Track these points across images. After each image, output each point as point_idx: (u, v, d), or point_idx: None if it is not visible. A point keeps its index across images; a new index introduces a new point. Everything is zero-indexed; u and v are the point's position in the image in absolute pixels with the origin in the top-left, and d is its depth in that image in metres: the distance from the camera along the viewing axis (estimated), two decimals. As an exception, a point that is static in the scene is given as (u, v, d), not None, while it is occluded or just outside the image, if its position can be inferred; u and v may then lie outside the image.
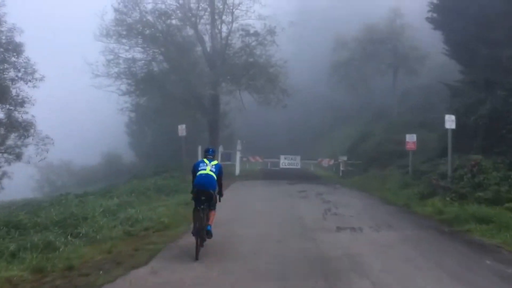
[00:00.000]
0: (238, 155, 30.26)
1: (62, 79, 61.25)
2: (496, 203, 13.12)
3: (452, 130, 17.05)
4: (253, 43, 30.97)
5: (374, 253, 9.51)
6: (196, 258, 8.69)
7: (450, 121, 17.01)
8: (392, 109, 43.90)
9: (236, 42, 31.83)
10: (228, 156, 30.98)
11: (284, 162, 30.04)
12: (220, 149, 31.30)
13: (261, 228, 12.30)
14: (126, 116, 46.26)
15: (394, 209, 15.91)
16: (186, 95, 33.55)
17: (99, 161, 49.82)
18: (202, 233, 8.82)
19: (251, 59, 30.28)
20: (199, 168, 9.24)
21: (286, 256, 9.23)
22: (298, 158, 30.14)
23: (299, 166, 30.12)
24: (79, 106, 65.38)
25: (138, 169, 39.89)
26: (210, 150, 10.01)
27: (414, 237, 11.17)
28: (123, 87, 32.45)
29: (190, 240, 9.37)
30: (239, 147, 30.20)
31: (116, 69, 31.84)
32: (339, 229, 11.99)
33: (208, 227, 8.88)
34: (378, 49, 42.24)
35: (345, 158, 29.92)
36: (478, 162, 15.61)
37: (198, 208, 8.86)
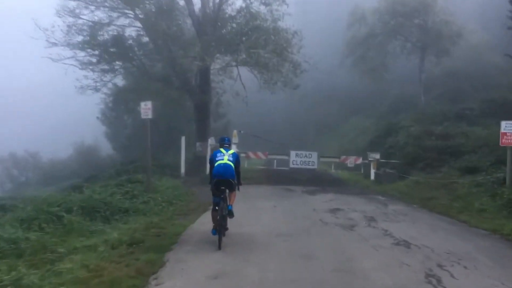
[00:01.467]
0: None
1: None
2: None
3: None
4: (256, 2, 22.37)
5: None
6: (219, 248, 8.17)
7: None
8: (418, 97, 35.52)
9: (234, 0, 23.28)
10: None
11: (296, 160, 21.58)
12: (211, 141, 22.85)
13: None
14: (102, 101, 37.73)
15: None
16: (168, 71, 24.98)
17: (71, 153, 41.15)
18: (223, 224, 8.53)
19: (253, 22, 21.66)
20: (217, 159, 8.71)
21: None
22: (315, 155, 21.70)
23: (315, 166, 21.71)
24: (44, 85, 54.77)
25: (108, 165, 31.36)
26: (226, 138, 9.43)
27: None
28: (87, 59, 23.93)
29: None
30: (235, 139, 21.74)
31: (79, 38, 23.33)
32: None
33: (229, 207, 8.68)
34: (403, 24, 33.70)
35: (377, 156, 21.55)
36: None
37: (217, 208, 8.52)
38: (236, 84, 26.82)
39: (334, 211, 12.72)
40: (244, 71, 25.46)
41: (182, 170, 22.74)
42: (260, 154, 21.93)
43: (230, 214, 8.73)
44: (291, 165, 21.59)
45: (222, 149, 8.94)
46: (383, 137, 29.34)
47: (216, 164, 8.65)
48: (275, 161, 22.21)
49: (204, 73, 24.43)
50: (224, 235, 8.57)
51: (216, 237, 8.37)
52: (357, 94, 49.21)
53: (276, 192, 17.17)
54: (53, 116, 53.71)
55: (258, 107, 49.76)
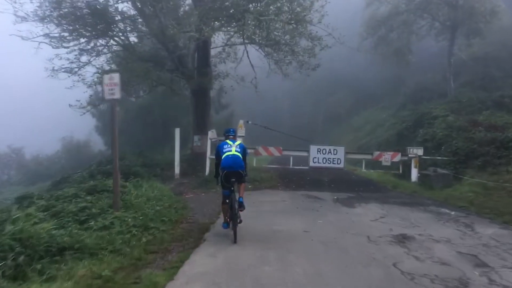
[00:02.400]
0: None
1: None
2: None
3: None
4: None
5: None
6: (235, 241, 7.70)
7: None
8: (443, 84, 30.55)
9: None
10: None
11: (317, 157, 16.57)
12: (211, 135, 18.01)
13: None
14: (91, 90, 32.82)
15: None
16: (159, 50, 20.02)
17: (58, 149, 36.22)
18: (235, 217, 7.88)
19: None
20: (224, 150, 8.26)
21: None
22: (341, 151, 16.63)
23: (342, 165, 16.71)
24: (30, 75, 48.82)
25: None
26: (231, 130, 8.88)
27: None
28: (61, 35, 18.99)
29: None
30: (241, 132, 16.81)
31: (53, 11, 18.39)
32: None
33: (240, 199, 8.15)
34: (431, 0, 28.64)
35: (419, 151, 16.56)
36: None
37: (227, 201, 8.11)
38: (240, 67, 21.93)
39: (401, 240, 7.82)
40: (251, 52, 20.56)
41: (176, 170, 17.88)
42: (272, 150, 16.97)
43: (242, 206, 8.16)
44: (312, 164, 16.64)
45: (228, 141, 8.47)
46: (412, 129, 24.46)
47: (224, 156, 8.23)
48: (291, 158, 17.25)
49: (203, 52, 19.46)
50: (236, 227, 7.88)
51: (227, 230, 8.13)
52: (371, 84, 44.27)
53: (298, 201, 12.26)
54: (40, 108, 48.46)
55: (263, 98, 44.94)
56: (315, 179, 17.06)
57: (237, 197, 8.07)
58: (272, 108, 51.58)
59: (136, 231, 8.03)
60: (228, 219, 8.16)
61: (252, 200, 12.00)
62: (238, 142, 8.56)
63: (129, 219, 8.42)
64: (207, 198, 13.30)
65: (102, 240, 7.21)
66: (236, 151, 8.19)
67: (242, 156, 8.25)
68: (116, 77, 9.36)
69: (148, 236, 7.90)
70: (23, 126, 43.59)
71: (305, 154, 17.15)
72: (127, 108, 32.47)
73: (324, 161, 16.74)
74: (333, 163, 16.72)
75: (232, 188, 8.10)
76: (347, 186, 15.63)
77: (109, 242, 7.20)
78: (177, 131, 18.27)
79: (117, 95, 9.24)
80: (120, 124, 33.27)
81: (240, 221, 8.02)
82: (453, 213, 10.70)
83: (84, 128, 36.19)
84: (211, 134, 18.47)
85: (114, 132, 9.44)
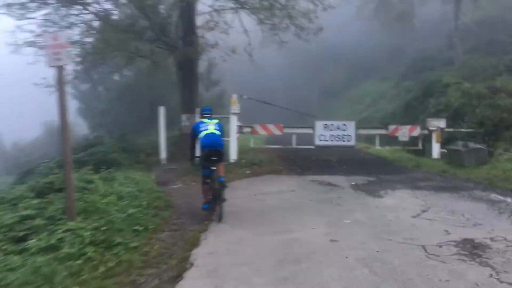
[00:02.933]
0: (234, 124, 14.33)
1: None
2: None
3: None
4: None
5: None
6: (219, 221, 7.25)
7: None
8: (447, 51, 28.02)
9: None
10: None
11: (324, 135, 14.05)
12: (199, 113, 15.42)
13: None
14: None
15: None
16: (138, 15, 17.20)
17: (39, 134, 33.36)
18: (218, 197, 7.44)
19: None
20: (201, 129, 7.82)
21: None
22: (351, 126, 14.07)
23: (353, 142, 14.19)
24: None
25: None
26: (207, 108, 8.41)
27: None
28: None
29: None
30: (234, 108, 14.20)
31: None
32: None
33: (221, 179, 7.53)
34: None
35: (441, 123, 14.08)
36: None
37: (207, 181, 7.66)
38: (230, 38, 19.19)
39: (472, 252, 5.38)
40: (242, 18, 17.87)
41: (163, 155, 15.34)
42: (272, 128, 14.43)
43: (224, 185, 7.55)
44: (318, 142, 14.14)
45: (205, 120, 8.00)
46: (420, 99, 21.98)
47: (202, 134, 7.75)
48: (293, 136, 14.69)
49: (188, 18, 16.69)
50: (221, 206, 7.40)
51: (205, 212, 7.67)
52: (367, 55, 41.47)
53: (310, 191, 9.77)
54: (18, 91, 44.83)
55: (256, 72, 42.12)
56: (323, 160, 14.58)
57: (218, 174, 7.62)
58: (264, 84, 48.78)
59: (93, 252, 5.49)
60: (209, 200, 7.77)
61: (253, 191, 9.57)
62: (215, 120, 8.08)
63: (87, 233, 5.88)
64: (198, 188, 10.84)
65: (36, 275, 4.69)
66: (214, 129, 7.80)
67: (220, 133, 7.86)
68: (63, 36, 6.70)
69: (109, 261, 5.34)
70: (2, 110, 40.50)
71: (309, 131, 14.62)
72: (110, 87, 29.63)
73: (332, 139, 14.23)
74: (342, 141, 14.22)
75: (213, 168, 7.65)
76: (361, 167, 13.16)
77: (47, 278, 4.67)
78: (162, 110, 15.71)
79: (65, 60, 6.60)
80: (103, 105, 30.56)
81: (224, 200, 7.52)
82: (509, 200, 8.29)
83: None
84: (197, 114, 15.95)
85: (62, 111, 6.78)
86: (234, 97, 14.47)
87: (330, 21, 18.91)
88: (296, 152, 15.21)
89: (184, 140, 17.13)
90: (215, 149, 7.60)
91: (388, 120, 24.02)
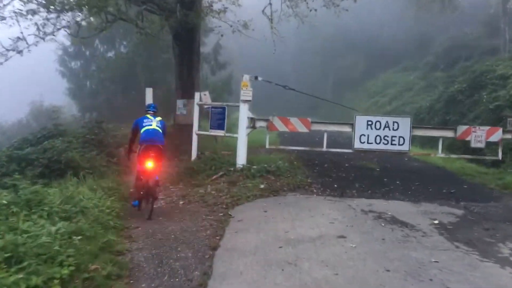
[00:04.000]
0: (244, 115, 10.03)
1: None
2: None
3: None
4: None
5: None
6: (149, 218, 6.69)
7: None
8: (500, 38, 23.52)
9: None
10: (218, 118, 10.68)
11: (367, 134, 9.82)
12: (201, 98, 11.29)
13: None
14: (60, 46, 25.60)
15: None
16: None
17: (22, 116, 29.18)
18: (152, 193, 6.93)
19: None
20: (144, 124, 7.48)
21: None
22: (407, 124, 9.79)
23: (406, 147, 9.96)
24: None
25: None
26: (152, 105, 8.05)
27: None
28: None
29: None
30: (246, 93, 9.91)
31: None
32: None
33: (156, 177, 7.14)
34: None
35: (536, 124, 9.82)
36: None
37: (141, 177, 7.08)
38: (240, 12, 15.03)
39: None
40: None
41: None
42: (295, 122, 10.10)
43: (158, 184, 7.25)
44: (358, 145, 9.85)
45: (148, 115, 7.71)
46: (467, 93, 17.72)
47: (143, 129, 7.43)
48: (325, 135, 10.33)
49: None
50: (154, 204, 7.00)
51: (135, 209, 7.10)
52: (388, 44, 37.15)
53: (373, 241, 5.52)
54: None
55: (263, 58, 37.72)
56: (363, 170, 10.37)
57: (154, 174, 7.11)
58: (274, 70, 44.53)
59: None
60: (141, 196, 7.10)
61: (272, 237, 5.51)
62: (158, 118, 7.69)
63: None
64: (192, 211, 6.88)
65: None
66: (157, 125, 7.48)
67: (162, 132, 7.51)
68: None
69: None
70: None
71: (345, 129, 10.37)
72: (102, 65, 25.37)
73: (379, 141, 9.92)
74: (392, 144, 9.92)
75: (150, 164, 7.05)
76: (423, 184, 8.92)
77: None
78: (149, 92, 11.58)
79: None
80: (94, 85, 26.37)
81: (156, 198, 7.08)
82: None
83: (57, 91, 29.14)
84: (203, 97, 11.74)
85: None
86: (246, 78, 10.16)
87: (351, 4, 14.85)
88: (324, 157, 10.99)
89: (179, 133, 13.00)
90: (154, 144, 7.25)
91: (424, 115, 19.79)
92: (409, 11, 29.57)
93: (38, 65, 33.64)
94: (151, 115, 7.65)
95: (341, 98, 38.63)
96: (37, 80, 37.08)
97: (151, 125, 7.42)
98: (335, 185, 8.70)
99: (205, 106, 11.74)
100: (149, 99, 11.49)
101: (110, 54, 26.06)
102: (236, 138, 10.30)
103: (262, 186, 8.46)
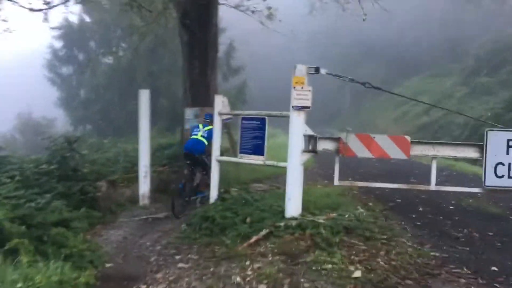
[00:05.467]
0: (299, 132, 5.68)
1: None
2: None
3: None
4: None
5: None
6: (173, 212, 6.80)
7: None
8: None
9: None
10: (254, 137, 6.53)
11: (510, 163, 5.73)
12: (219, 106, 6.93)
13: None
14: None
15: None
16: None
17: (8, 129, 25.00)
18: (185, 194, 7.24)
19: None
20: (192, 134, 7.77)
21: None
22: None
23: None
24: None
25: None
26: (208, 114, 7.70)
27: None
28: None
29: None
30: (300, 97, 5.66)
31: None
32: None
33: (198, 194, 7.49)
34: None
35: None
36: None
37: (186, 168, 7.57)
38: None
39: None
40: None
41: (142, 189, 7.05)
42: (383, 143, 5.81)
43: (201, 200, 7.42)
44: (492, 182, 5.57)
45: (200, 124, 7.82)
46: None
47: (189, 138, 7.74)
48: (433, 164, 5.87)
49: None
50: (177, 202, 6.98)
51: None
52: (412, 48, 33.11)
53: None
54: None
55: (275, 68, 33.78)
56: (503, 230, 6.01)
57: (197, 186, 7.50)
58: (285, 80, 40.48)
59: None
60: (187, 186, 7.32)
61: None
62: (209, 127, 7.52)
63: None
64: None
65: None
66: (202, 136, 7.57)
67: (208, 142, 7.44)
68: None
69: None
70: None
71: (469, 154, 6.00)
72: (97, 71, 21.18)
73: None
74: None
75: (192, 169, 7.48)
76: None
77: None
78: (145, 95, 7.48)
79: None
80: (88, 93, 22.15)
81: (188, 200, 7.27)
82: None
83: (48, 101, 24.98)
84: (221, 105, 7.31)
85: None
86: (301, 71, 5.85)
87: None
88: (432, 201, 6.76)
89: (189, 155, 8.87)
90: (189, 153, 7.42)
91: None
92: (434, 13, 25.62)
93: (25, 70, 29.60)
94: (203, 124, 7.67)
95: (360, 108, 34.48)
96: (24, 89, 32.89)
97: (196, 134, 7.56)
98: (474, 270, 4.36)
99: (224, 117, 7.44)
100: (144, 103, 7.32)
101: (107, 59, 22.01)
102: (282, 168, 6.11)
103: (356, 274, 4.14)
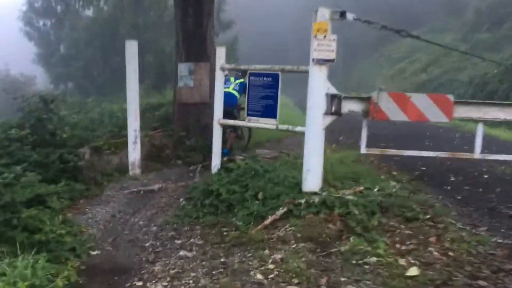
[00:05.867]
0: (321, 90, 4.67)
1: None
2: None
3: None
4: None
5: None
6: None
7: None
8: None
9: None
10: (264, 96, 5.52)
11: None
12: (223, 60, 5.74)
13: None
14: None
15: None
16: None
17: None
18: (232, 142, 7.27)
19: None
20: (223, 87, 6.57)
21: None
22: None
23: None
24: None
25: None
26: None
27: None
28: None
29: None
30: (322, 48, 4.63)
31: None
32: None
33: (225, 150, 6.57)
34: None
35: None
36: None
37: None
38: None
39: None
40: None
41: (132, 156, 5.99)
42: (421, 103, 4.69)
43: (225, 157, 6.34)
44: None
45: (231, 77, 7.42)
46: None
47: None
48: (479, 127, 4.87)
49: None
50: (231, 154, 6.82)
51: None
52: (405, 2, 31.71)
53: None
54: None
55: (261, 22, 32.10)
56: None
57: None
58: (272, 36, 38.99)
59: None
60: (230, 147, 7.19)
61: None
62: (240, 80, 7.30)
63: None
64: None
65: None
66: (233, 89, 7.28)
67: (240, 94, 7.24)
68: None
69: None
70: None
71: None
72: (77, 25, 19.48)
73: None
74: None
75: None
76: None
77: None
78: (132, 47, 6.18)
79: None
80: (68, 49, 20.50)
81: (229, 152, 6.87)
82: None
83: (25, 57, 23.22)
84: (224, 59, 6.10)
85: None
86: (324, 15, 4.78)
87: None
88: (443, 164, 5.90)
89: (183, 118, 7.78)
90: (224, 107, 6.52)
91: (496, 86, 14.66)
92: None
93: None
94: (234, 77, 7.44)
95: (354, 67, 33.28)
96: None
97: (228, 87, 7.18)
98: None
99: (226, 72, 6.32)
100: (131, 57, 6.16)
101: (88, 11, 20.20)
102: (299, 133, 5.17)
103: (412, 271, 3.23)
